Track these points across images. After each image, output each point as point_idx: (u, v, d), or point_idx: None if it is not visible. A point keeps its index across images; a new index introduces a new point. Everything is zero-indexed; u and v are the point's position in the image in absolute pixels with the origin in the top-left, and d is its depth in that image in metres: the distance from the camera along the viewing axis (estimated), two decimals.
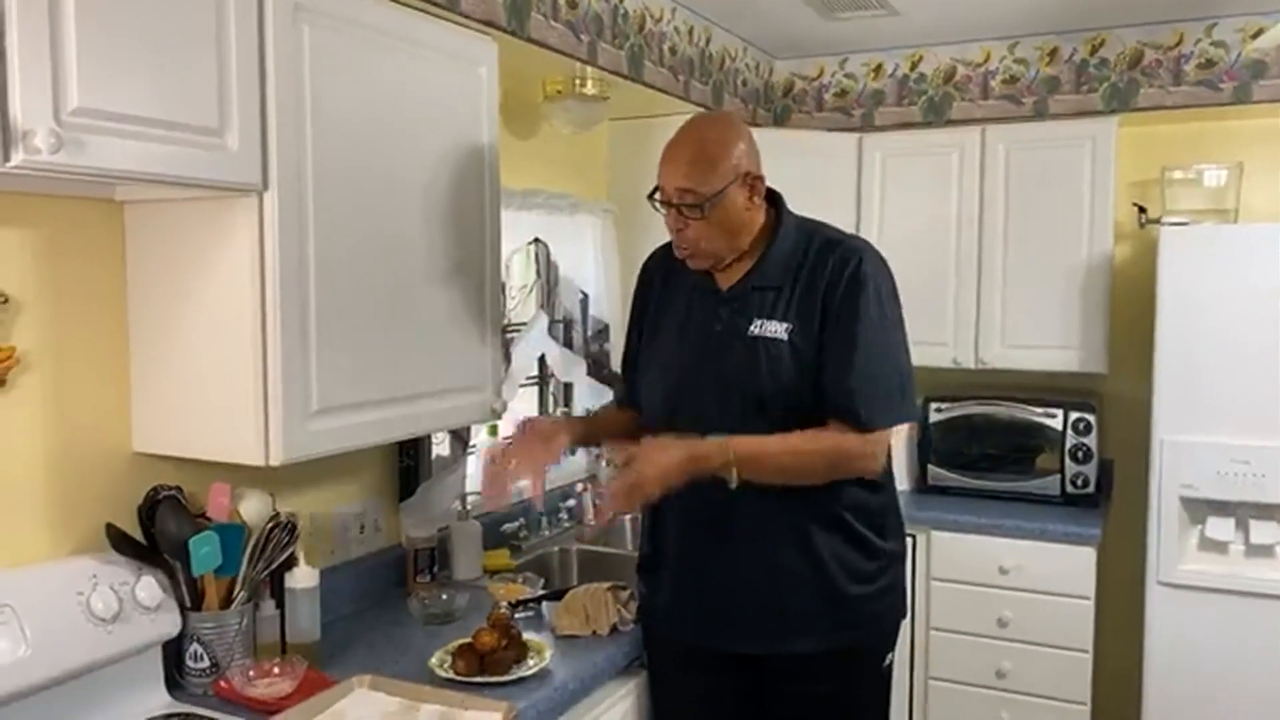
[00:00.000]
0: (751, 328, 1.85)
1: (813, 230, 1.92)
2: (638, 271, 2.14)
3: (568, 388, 3.24)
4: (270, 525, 1.84)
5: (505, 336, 2.59)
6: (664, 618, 2.01)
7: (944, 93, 3.50)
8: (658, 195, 1.86)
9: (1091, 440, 3.22)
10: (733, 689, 1.98)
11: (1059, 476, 3.26)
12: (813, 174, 3.22)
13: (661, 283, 2.04)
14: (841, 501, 1.87)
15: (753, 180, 1.85)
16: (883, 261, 1.89)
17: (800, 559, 1.86)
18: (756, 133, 3.20)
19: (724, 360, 1.86)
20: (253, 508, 1.84)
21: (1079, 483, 3.24)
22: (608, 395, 3.16)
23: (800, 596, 1.87)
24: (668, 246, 2.08)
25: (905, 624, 3.14)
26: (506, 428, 2.40)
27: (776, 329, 1.84)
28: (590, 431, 2.16)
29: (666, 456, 1.74)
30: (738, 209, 1.84)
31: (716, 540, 1.89)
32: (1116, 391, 3.45)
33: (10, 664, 1.48)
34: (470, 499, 2.58)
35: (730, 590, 1.89)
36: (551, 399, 3.27)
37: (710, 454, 1.75)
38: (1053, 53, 3.34)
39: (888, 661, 2.01)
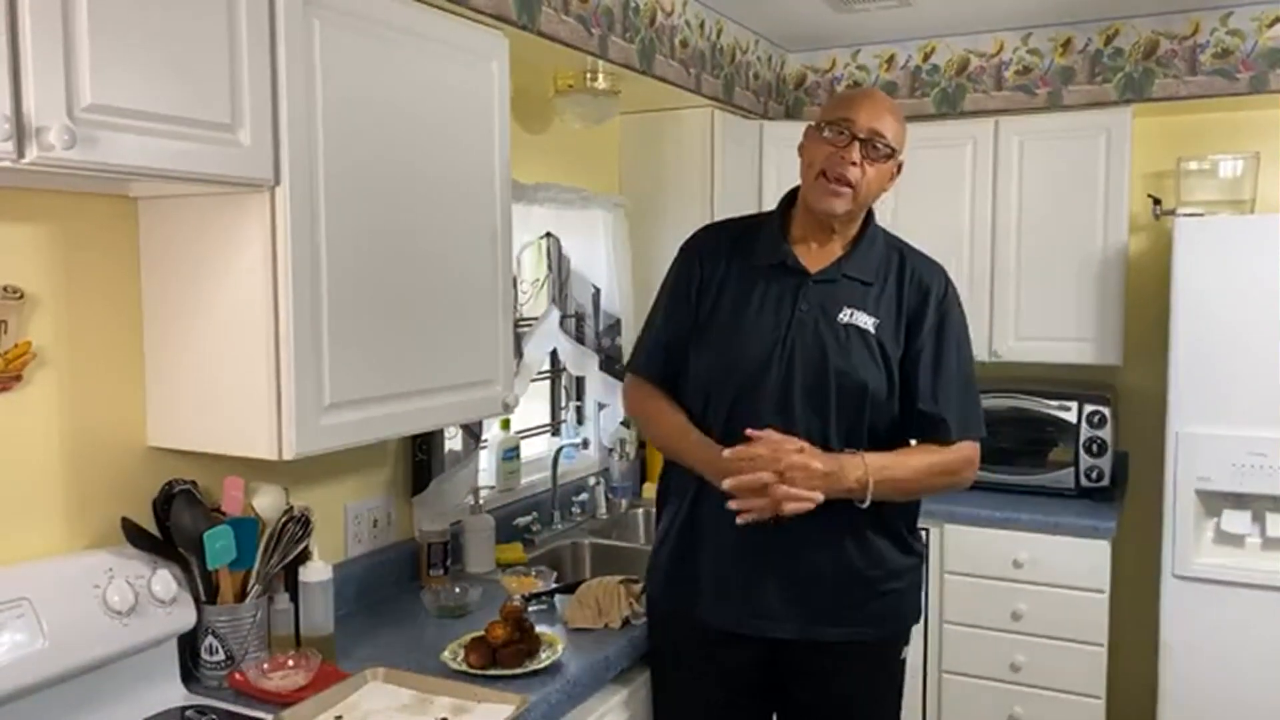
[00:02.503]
0: (842, 315, 1.88)
1: (897, 242, 2.00)
2: (678, 254, 2.05)
3: (579, 382, 3.25)
4: (284, 519, 1.85)
5: (517, 331, 2.59)
6: (696, 601, 1.96)
7: (957, 84, 3.48)
8: (840, 126, 1.83)
9: (1106, 433, 3.20)
10: (751, 677, 1.98)
11: (1073, 469, 3.24)
12: None
13: (724, 260, 1.97)
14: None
15: (898, 168, 1.92)
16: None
17: (848, 553, 1.89)
18: (768, 126, 3.21)
19: (813, 342, 1.86)
20: (266, 502, 1.85)
21: (1093, 476, 3.22)
22: (618, 389, 3.16)
23: (842, 586, 1.89)
24: (721, 225, 2.08)
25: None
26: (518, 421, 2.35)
27: (866, 321, 1.88)
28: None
29: (820, 459, 1.77)
30: (885, 181, 1.90)
31: (765, 529, 1.85)
32: (1131, 384, 3.43)
33: (27, 656, 1.50)
34: (482, 493, 2.59)
35: (775, 576, 1.88)
36: (563, 393, 3.27)
37: (848, 472, 1.78)
38: (1066, 43, 3.31)
39: (903, 655, 2.04)
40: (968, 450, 1.92)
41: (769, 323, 1.89)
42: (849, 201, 1.86)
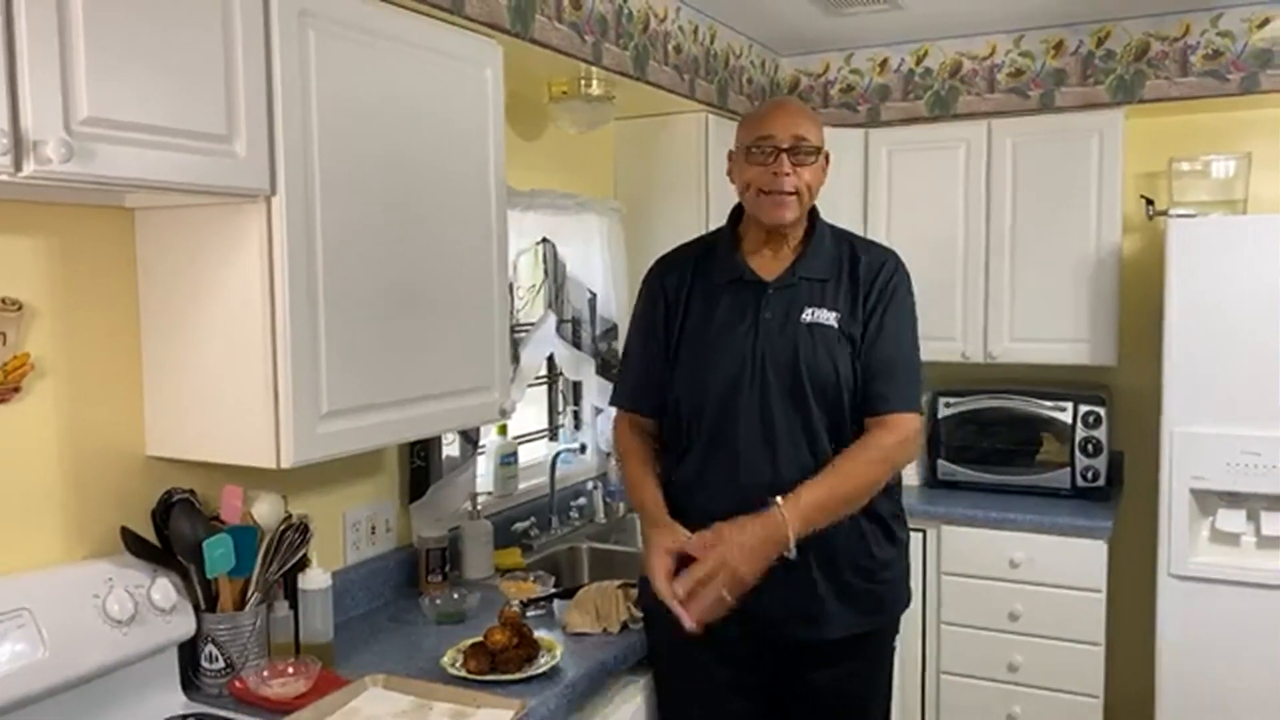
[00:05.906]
0: (804, 315, 1.94)
1: (845, 234, 2.07)
2: (642, 286, 2.11)
3: (576, 387, 3.25)
4: (283, 527, 1.86)
5: (514, 336, 2.60)
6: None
7: (950, 87, 3.49)
8: (762, 145, 1.92)
9: (1101, 433, 3.22)
10: (749, 677, 1.99)
11: (1069, 470, 3.26)
12: None
13: (686, 283, 2.04)
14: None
15: (827, 159, 1.99)
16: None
17: (839, 549, 1.91)
18: None
19: (782, 346, 1.92)
20: (265, 510, 1.86)
21: (1089, 475, 3.23)
22: None
23: (834, 584, 1.92)
24: (677, 252, 2.13)
25: (917, 618, 3.20)
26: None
27: (827, 317, 1.95)
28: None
29: (749, 546, 1.76)
30: (821, 176, 1.98)
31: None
32: (1126, 384, 3.44)
33: (28, 666, 1.50)
34: (480, 498, 2.59)
35: (768, 579, 1.85)
36: (560, 398, 3.28)
37: (779, 527, 1.77)
38: (1058, 45, 3.33)
39: (895, 644, 2.10)
40: (906, 427, 1.92)
41: (738, 335, 1.95)
42: (796, 208, 1.94)
